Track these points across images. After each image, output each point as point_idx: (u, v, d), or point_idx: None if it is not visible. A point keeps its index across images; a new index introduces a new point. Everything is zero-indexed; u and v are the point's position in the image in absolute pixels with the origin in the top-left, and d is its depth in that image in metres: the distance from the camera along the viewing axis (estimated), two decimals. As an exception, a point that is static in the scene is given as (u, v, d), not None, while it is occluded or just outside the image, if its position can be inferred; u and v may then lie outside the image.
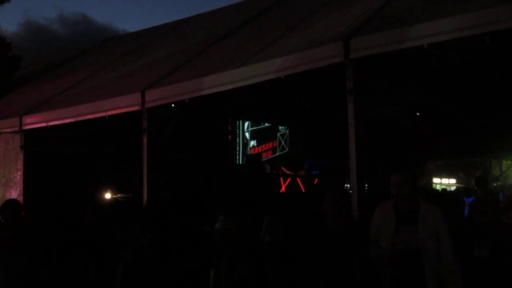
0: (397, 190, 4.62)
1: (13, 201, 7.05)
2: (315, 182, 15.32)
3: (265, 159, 17.90)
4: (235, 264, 4.96)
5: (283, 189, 14.72)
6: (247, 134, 17.73)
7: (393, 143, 12.78)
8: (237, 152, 17.30)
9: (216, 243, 5.27)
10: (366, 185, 13.46)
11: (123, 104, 8.15)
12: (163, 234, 5.97)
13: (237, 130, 17.37)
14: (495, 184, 18.71)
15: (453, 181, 21.92)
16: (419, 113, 12.88)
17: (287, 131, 18.78)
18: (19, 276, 5.88)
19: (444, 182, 21.62)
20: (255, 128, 17.94)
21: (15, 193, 9.24)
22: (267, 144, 18.46)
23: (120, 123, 8.69)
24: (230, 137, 16.70)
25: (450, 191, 17.64)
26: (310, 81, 8.90)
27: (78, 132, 9.35)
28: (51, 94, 10.41)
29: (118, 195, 11.18)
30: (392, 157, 12.54)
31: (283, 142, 18.86)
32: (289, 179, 15.22)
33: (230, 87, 7.00)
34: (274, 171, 16.24)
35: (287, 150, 18.70)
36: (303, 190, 15.07)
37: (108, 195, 10.98)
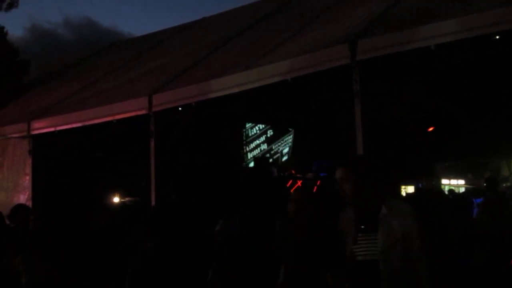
0: (339, 188, 3.80)
1: (22, 206, 7.09)
2: (318, 184, 15.26)
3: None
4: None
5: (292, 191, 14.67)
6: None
7: (395, 144, 12.74)
8: (246, 155, 17.26)
9: (215, 245, 5.29)
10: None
11: (131, 108, 8.18)
12: (168, 237, 5.98)
13: (246, 132, 17.35)
14: (504, 185, 18.61)
15: (461, 182, 21.80)
16: (425, 114, 12.84)
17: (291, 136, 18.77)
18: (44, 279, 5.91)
19: (452, 183, 21.51)
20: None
21: (23, 198, 9.29)
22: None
23: (127, 127, 8.71)
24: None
25: (458, 193, 17.55)
26: (317, 83, 8.90)
27: (86, 136, 9.39)
28: (59, 99, 10.46)
29: (126, 198, 11.20)
30: (393, 159, 12.50)
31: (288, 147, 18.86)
32: (299, 182, 15.15)
33: (236, 90, 7.02)
34: (282, 174, 16.19)
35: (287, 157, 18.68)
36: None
37: (116, 199, 11.00)
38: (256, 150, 18.14)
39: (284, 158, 18.34)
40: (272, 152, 18.48)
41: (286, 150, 18.96)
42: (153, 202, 7.64)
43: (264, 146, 18.72)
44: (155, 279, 5.25)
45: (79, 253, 7.22)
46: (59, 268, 6.13)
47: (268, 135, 18.39)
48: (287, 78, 6.46)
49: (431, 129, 13.50)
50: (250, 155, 17.70)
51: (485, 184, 10.56)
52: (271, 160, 18.58)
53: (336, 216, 3.95)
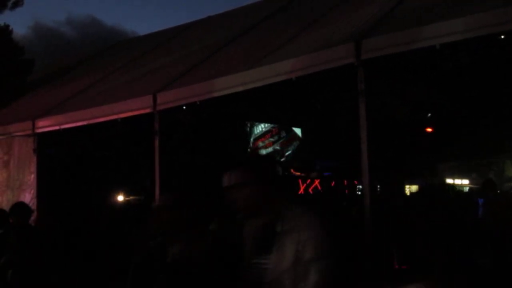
0: (228, 198, 3.09)
1: (21, 204, 7.10)
2: (332, 185, 15.24)
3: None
4: None
5: (301, 190, 14.67)
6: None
7: (399, 144, 12.73)
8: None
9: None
10: (378, 187, 13.44)
11: (135, 107, 8.18)
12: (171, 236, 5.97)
13: (250, 131, 17.37)
14: (508, 184, 18.60)
15: (466, 181, 21.82)
16: (429, 114, 12.83)
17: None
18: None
19: (457, 183, 21.52)
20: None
21: (28, 196, 9.30)
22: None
23: (132, 126, 8.72)
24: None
25: (462, 192, 17.53)
26: (322, 83, 8.90)
27: (91, 135, 9.40)
28: (63, 97, 10.48)
29: (131, 197, 11.23)
30: (393, 158, 12.51)
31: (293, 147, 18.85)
32: (308, 181, 15.13)
33: (240, 89, 7.01)
34: (286, 173, 16.19)
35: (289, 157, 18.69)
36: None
37: (120, 198, 11.03)
38: (269, 149, 18.22)
39: (283, 159, 18.35)
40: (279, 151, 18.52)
41: (289, 151, 19.00)
42: (156, 201, 7.63)
43: (277, 146, 18.79)
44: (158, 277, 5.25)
45: (81, 252, 7.24)
46: (59, 268, 6.13)
47: (281, 136, 18.46)
48: (291, 77, 6.45)
49: (430, 129, 13.48)
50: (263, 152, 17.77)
51: (482, 186, 10.54)
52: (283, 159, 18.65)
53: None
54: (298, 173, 16.30)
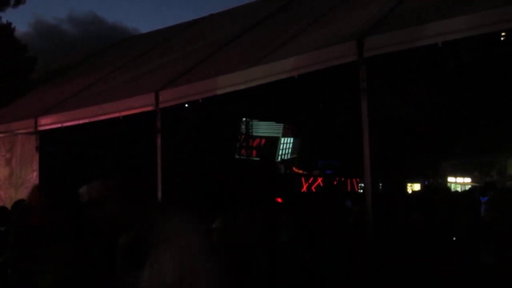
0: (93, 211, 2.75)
1: (21, 202, 7.12)
2: (334, 183, 15.30)
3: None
4: None
5: (304, 188, 14.71)
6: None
7: (400, 142, 12.75)
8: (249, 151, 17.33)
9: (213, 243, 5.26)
10: (380, 185, 13.46)
11: (137, 105, 8.20)
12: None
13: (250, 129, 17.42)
14: (511, 182, 18.59)
15: (468, 180, 21.82)
16: (431, 112, 12.83)
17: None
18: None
19: (459, 181, 21.52)
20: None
21: (30, 194, 9.33)
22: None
23: (133, 124, 8.74)
24: (243, 136, 16.73)
25: (464, 190, 17.52)
26: (324, 81, 8.92)
27: (93, 133, 9.43)
28: (65, 95, 10.50)
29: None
30: (395, 157, 12.52)
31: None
32: (312, 179, 15.18)
33: (243, 86, 7.04)
34: (288, 171, 16.24)
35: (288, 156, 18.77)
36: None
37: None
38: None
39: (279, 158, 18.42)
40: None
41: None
42: (159, 196, 7.65)
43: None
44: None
45: (85, 252, 7.25)
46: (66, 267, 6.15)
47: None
48: (294, 75, 6.47)
49: (431, 128, 13.48)
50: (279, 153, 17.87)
51: (485, 187, 10.58)
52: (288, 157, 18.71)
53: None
54: (300, 171, 16.35)
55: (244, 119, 16.00)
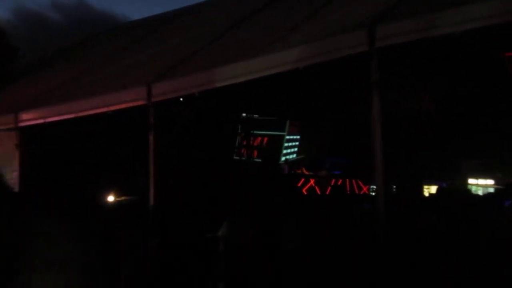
0: None
1: None
2: (339, 184, 15.29)
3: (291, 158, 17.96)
4: None
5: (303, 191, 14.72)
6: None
7: (416, 139, 12.75)
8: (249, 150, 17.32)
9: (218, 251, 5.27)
10: (394, 187, 13.47)
11: (128, 99, 8.23)
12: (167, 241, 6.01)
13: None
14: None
15: (490, 182, 21.72)
16: (450, 108, 12.85)
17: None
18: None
19: (481, 183, 21.43)
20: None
21: (11, 196, 9.33)
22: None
23: (124, 119, 8.76)
24: (242, 134, 16.73)
25: (486, 193, 17.50)
26: (332, 73, 8.92)
27: (79, 129, 9.44)
28: (49, 88, 10.52)
29: (122, 197, 11.26)
30: (410, 156, 12.51)
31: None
32: (312, 181, 15.18)
33: (244, 79, 7.05)
34: (293, 172, 16.25)
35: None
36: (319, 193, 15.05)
37: (111, 198, 11.06)
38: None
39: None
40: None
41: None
42: (152, 201, 7.69)
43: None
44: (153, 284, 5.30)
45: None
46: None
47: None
48: (298, 67, 6.49)
49: (450, 125, 13.47)
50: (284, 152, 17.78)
51: (506, 188, 10.57)
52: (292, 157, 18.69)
53: None
54: (306, 172, 16.36)
55: (244, 115, 16.01)
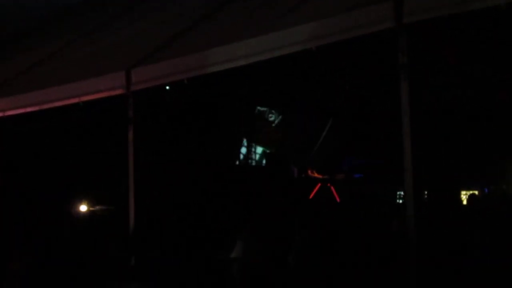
0: None
1: None
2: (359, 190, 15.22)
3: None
4: None
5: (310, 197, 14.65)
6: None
7: (453, 135, 12.72)
8: (254, 150, 17.25)
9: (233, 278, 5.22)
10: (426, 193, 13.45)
11: (102, 87, 8.21)
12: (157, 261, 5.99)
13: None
14: None
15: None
16: (493, 96, 12.80)
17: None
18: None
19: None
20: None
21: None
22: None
23: (99, 113, 8.74)
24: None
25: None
26: (351, 55, 8.90)
27: (44, 125, 9.41)
28: (8, 75, 10.49)
29: (97, 207, 11.24)
30: (445, 156, 12.48)
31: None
32: (319, 186, 15.08)
33: (244, 62, 7.01)
34: (304, 175, 16.18)
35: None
36: (338, 200, 14.99)
37: (83, 207, 11.05)
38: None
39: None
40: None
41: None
42: (132, 212, 7.66)
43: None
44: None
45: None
46: None
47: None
48: (311, 47, 6.45)
49: (493, 118, 13.42)
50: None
51: None
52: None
53: None
54: (319, 175, 16.28)
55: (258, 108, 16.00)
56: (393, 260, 7.12)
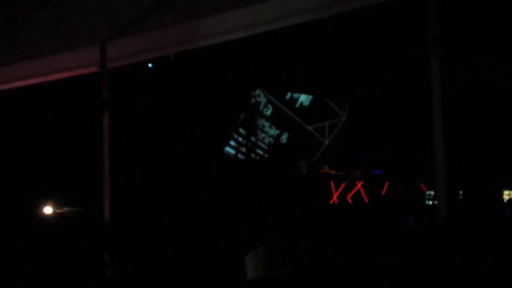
0: None
1: None
2: (384, 192, 15.24)
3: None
4: None
5: (334, 198, 14.67)
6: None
7: (489, 127, 12.74)
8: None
9: None
10: (461, 192, 13.50)
11: (72, 64, 8.24)
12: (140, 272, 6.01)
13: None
14: None
15: None
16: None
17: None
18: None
19: None
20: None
21: None
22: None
23: (68, 95, 8.76)
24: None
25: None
26: (370, 27, 8.91)
27: (2, 109, 9.45)
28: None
29: (65, 209, 11.27)
30: (485, 149, 12.47)
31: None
32: (344, 184, 15.09)
33: (242, 34, 7.02)
34: (314, 171, 16.21)
35: (326, 142, 18.65)
36: (366, 201, 15.01)
37: (49, 209, 11.07)
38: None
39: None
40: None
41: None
42: (107, 213, 7.70)
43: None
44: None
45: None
46: None
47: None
48: (322, 16, 6.46)
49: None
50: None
51: None
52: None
53: None
54: (332, 172, 16.32)
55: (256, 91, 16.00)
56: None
